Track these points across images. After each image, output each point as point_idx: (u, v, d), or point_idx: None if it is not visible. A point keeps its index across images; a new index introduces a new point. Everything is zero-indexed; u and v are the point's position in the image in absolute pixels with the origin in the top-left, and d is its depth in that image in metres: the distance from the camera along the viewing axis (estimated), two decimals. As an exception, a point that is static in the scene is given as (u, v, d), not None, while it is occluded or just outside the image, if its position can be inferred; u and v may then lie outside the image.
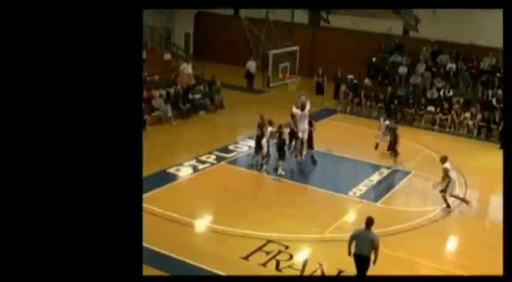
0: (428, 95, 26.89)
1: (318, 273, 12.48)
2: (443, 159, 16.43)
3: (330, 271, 12.58)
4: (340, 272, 12.52)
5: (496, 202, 18.38)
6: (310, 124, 19.32)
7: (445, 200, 16.36)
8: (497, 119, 24.03)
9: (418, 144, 22.28)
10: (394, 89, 27.19)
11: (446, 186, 16.26)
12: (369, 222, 11.37)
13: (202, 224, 15.13)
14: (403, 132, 20.61)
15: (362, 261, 11.46)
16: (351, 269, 12.25)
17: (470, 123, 24.80)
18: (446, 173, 16.21)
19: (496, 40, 28.04)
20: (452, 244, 15.15)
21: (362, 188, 17.74)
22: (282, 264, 12.81)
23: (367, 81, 28.81)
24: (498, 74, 26.54)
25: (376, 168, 19.47)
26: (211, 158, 19.58)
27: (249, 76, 30.41)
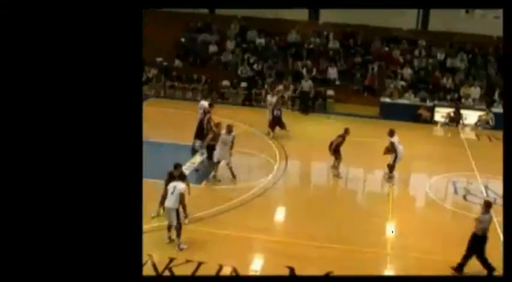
0: (240, 71, 26.75)
1: (149, 264, 11.29)
2: (391, 133, 16.51)
3: (162, 260, 11.55)
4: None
5: (316, 168, 18.63)
6: None
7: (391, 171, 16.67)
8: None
9: (235, 121, 21.74)
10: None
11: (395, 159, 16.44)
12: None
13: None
14: (219, 110, 20.09)
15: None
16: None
17: (285, 95, 24.94)
18: (392, 147, 16.33)
19: (300, 13, 29.19)
20: (279, 214, 14.83)
21: (185, 171, 16.68)
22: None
23: (177, 62, 27.87)
24: (306, 46, 27.41)
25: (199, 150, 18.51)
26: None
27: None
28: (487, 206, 11.72)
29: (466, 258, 11.58)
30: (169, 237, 12.30)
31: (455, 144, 21.85)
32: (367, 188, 17.23)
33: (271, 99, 21.30)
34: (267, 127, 20.68)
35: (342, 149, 16.86)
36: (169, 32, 28.17)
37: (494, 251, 11.55)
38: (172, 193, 11.99)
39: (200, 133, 18.03)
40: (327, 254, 12.31)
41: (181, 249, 12.01)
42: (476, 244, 11.52)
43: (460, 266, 11.58)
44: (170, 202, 11.97)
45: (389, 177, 16.65)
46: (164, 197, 12.49)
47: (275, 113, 20.59)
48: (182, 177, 12.70)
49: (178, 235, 12.09)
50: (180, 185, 12.12)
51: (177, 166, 13.13)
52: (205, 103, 19.11)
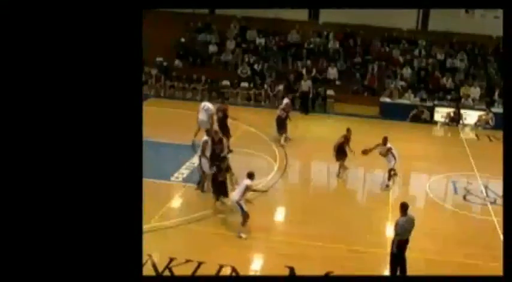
0: (240, 71, 26.79)
1: (149, 264, 11.30)
2: (385, 140, 16.23)
3: (162, 260, 11.56)
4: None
5: (316, 168, 18.63)
6: None
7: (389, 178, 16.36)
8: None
9: (236, 121, 21.75)
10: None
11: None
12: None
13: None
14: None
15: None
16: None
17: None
18: (391, 153, 16.10)
19: (300, 13, 29.21)
20: (279, 214, 14.85)
21: (184, 171, 16.75)
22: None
23: (177, 62, 27.90)
24: (306, 46, 27.52)
25: (197, 149, 18.50)
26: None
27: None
28: (403, 208, 11.27)
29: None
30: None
31: (455, 144, 21.86)
32: (367, 188, 17.26)
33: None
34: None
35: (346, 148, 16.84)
36: (169, 32, 28.17)
37: (494, 251, 11.57)
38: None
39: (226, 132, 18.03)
40: (327, 254, 12.32)
41: (240, 237, 12.69)
42: (395, 247, 11.21)
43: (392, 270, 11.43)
44: (236, 196, 12.91)
45: (387, 185, 16.43)
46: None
47: (281, 114, 20.16)
48: (249, 176, 13.28)
49: (243, 223, 12.80)
50: (246, 181, 13.06)
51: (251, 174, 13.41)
52: (209, 104, 19.11)
